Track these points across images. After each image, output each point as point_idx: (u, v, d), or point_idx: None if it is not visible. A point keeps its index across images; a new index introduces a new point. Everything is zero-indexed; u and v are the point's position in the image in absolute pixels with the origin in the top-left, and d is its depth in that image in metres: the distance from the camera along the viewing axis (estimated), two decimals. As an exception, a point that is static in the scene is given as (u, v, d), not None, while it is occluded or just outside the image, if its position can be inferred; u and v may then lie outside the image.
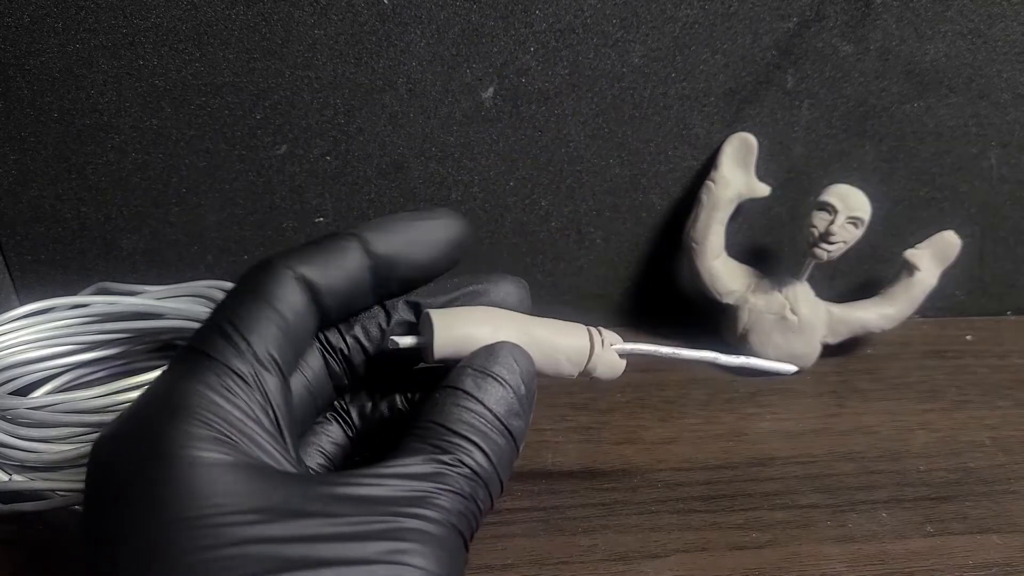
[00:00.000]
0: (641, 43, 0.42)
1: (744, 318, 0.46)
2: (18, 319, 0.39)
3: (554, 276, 0.49)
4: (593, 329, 0.28)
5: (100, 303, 0.41)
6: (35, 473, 0.33)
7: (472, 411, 0.23)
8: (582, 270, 0.49)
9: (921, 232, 0.47)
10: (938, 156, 0.48)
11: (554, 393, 0.44)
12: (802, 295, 0.46)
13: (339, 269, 0.23)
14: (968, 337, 0.51)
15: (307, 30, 0.40)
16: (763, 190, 0.45)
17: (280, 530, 0.18)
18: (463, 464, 0.22)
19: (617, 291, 0.50)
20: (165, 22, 0.39)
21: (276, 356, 0.21)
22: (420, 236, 0.25)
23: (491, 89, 0.43)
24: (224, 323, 0.21)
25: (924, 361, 0.48)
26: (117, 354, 0.41)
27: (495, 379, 0.23)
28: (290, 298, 0.22)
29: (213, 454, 0.19)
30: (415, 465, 0.21)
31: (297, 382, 0.24)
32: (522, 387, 0.24)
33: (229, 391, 0.20)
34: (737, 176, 0.45)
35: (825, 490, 0.37)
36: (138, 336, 0.41)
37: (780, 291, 0.46)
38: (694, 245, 0.46)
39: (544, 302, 0.50)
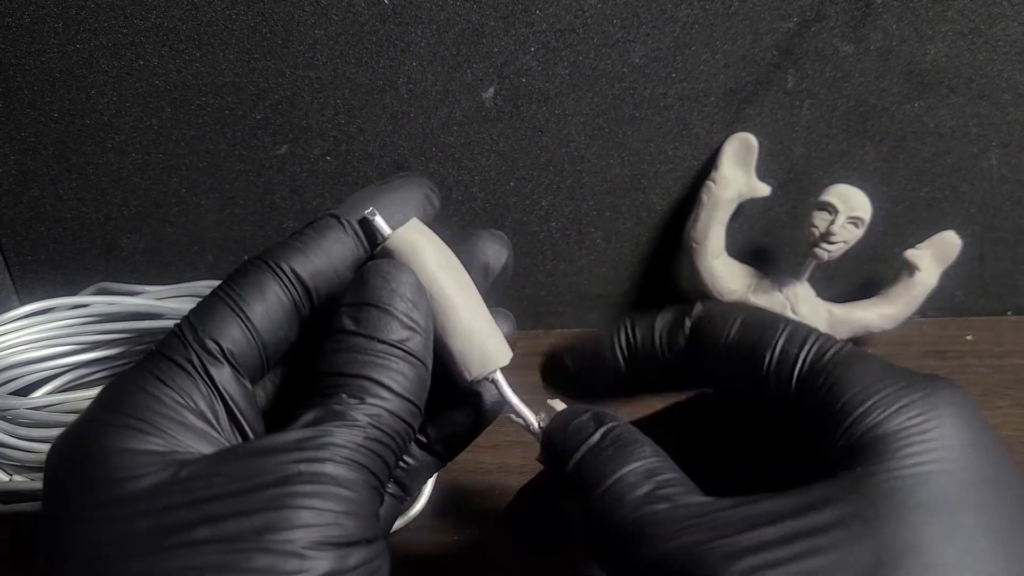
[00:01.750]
0: (641, 43, 0.42)
1: (744, 318, 0.46)
2: (18, 319, 0.39)
3: (554, 276, 0.49)
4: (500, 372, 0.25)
5: (100, 303, 0.41)
6: (35, 473, 0.33)
7: (351, 346, 0.21)
8: (582, 270, 0.49)
9: (921, 232, 0.47)
10: (938, 156, 0.48)
11: (554, 393, 0.43)
12: (803, 295, 0.46)
13: (322, 252, 0.23)
14: (968, 337, 0.51)
15: (307, 30, 0.40)
16: (763, 190, 0.45)
17: (169, 501, 0.19)
18: (349, 398, 0.20)
19: (617, 291, 0.50)
20: (165, 22, 0.39)
21: (225, 346, 0.21)
22: (393, 202, 0.25)
23: (491, 89, 0.43)
24: (183, 321, 0.22)
25: (924, 361, 0.48)
26: (117, 354, 0.41)
27: (369, 306, 0.22)
28: (257, 291, 0.22)
29: (125, 442, 0.20)
30: (304, 417, 0.21)
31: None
32: (404, 302, 0.22)
33: (164, 381, 0.21)
34: (737, 176, 0.45)
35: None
36: (138, 336, 0.41)
37: (780, 291, 0.46)
38: (694, 245, 0.46)
39: (544, 302, 0.50)
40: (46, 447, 0.33)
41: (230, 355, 0.21)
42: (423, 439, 0.26)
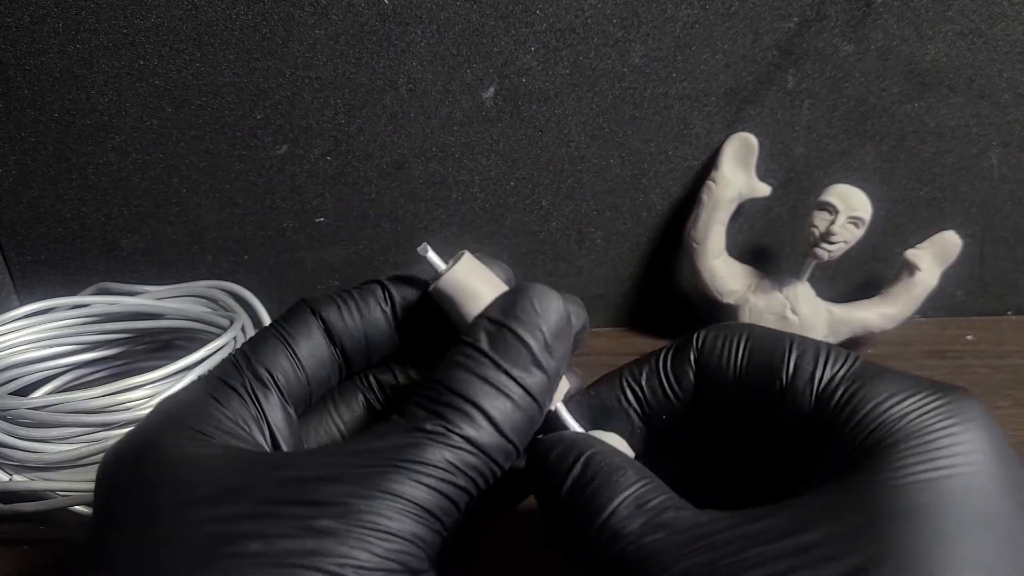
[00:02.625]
0: (641, 43, 0.42)
1: (744, 318, 0.46)
2: (19, 319, 0.39)
3: (554, 276, 0.49)
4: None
5: (100, 303, 0.41)
6: (35, 473, 0.33)
7: (476, 364, 0.21)
8: (582, 270, 0.49)
9: (921, 232, 0.47)
10: (938, 156, 0.48)
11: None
12: (803, 295, 0.46)
13: (356, 312, 0.25)
14: (968, 337, 0.51)
15: (307, 30, 0.40)
16: (764, 190, 0.45)
17: (231, 510, 0.19)
18: (449, 431, 0.20)
19: (617, 291, 0.50)
20: (165, 22, 0.39)
21: (275, 375, 0.23)
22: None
23: (492, 89, 0.43)
24: (237, 350, 0.24)
25: (924, 361, 0.48)
26: (118, 354, 0.41)
27: (510, 331, 0.21)
28: (305, 330, 0.24)
29: (188, 449, 0.20)
30: (388, 433, 0.21)
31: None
32: (544, 337, 0.21)
33: (219, 402, 0.22)
34: (738, 176, 0.45)
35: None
36: (138, 336, 0.41)
37: (781, 291, 0.46)
38: (695, 245, 0.46)
39: (544, 302, 0.50)
40: (46, 447, 0.33)
41: (280, 384, 0.23)
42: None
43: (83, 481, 0.32)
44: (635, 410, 0.25)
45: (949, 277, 0.47)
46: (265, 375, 0.23)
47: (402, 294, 0.25)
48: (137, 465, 0.21)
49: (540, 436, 0.24)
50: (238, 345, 0.37)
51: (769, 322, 0.45)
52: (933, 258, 0.46)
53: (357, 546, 0.18)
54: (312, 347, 0.24)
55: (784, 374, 0.23)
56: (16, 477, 0.32)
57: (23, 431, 0.33)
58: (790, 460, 0.23)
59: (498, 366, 0.21)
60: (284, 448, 0.22)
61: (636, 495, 0.21)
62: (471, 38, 0.41)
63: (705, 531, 0.19)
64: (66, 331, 0.40)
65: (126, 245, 0.45)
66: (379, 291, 0.25)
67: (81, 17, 0.38)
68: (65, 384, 0.41)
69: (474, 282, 0.24)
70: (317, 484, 0.19)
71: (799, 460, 0.23)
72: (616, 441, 0.25)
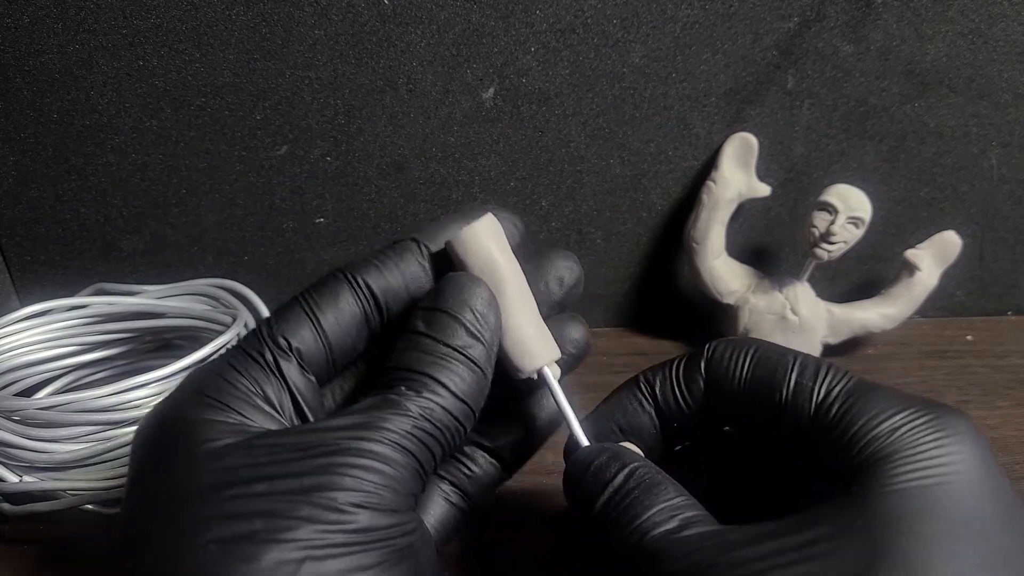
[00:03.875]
0: (641, 43, 0.42)
1: (744, 318, 0.46)
2: (18, 321, 0.39)
3: (554, 276, 0.49)
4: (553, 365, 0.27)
5: (99, 303, 0.41)
6: (45, 473, 0.33)
7: (419, 345, 0.24)
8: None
9: (921, 232, 0.47)
10: (938, 156, 0.48)
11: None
12: (803, 295, 0.46)
13: (397, 271, 0.26)
14: (968, 337, 0.51)
15: (307, 30, 0.40)
16: (763, 190, 0.45)
17: (234, 461, 0.21)
18: (409, 392, 0.23)
19: (617, 291, 0.50)
20: (165, 23, 0.39)
21: (295, 344, 0.24)
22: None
23: (491, 89, 0.43)
24: (263, 320, 0.25)
25: (924, 361, 0.48)
26: (119, 354, 0.41)
27: (441, 312, 0.24)
28: (332, 299, 0.25)
29: (202, 413, 0.22)
30: (363, 402, 0.23)
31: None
32: (472, 313, 0.24)
33: (238, 369, 0.23)
34: (738, 176, 0.45)
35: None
36: (138, 336, 0.41)
37: (781, 291, 0.46)
38: (695, 245, 0.46)
39: (544, 302, 0.50)
40: (56, 447, 0.33)
41: (298, 353, 0.24)
42: (487, 444, 0.28)
43: (93, 480, 0.32)
44: (651, 416, 0.27)
45: (949, 277, 0.47)
46: (285, 344, 0.24)
47: (437, 247, 0.26)
48: (162, 426, 0.23)
49: (582, 449, 0.26)
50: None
51: (769, 322, 0.45)
52: (933, 258, 0.46)
53: (343, 486, 0.20)
54: (338, 315, 0.25)
55: (785, 388, 0.24)
56: (26, 478, 0.32)
57: (32, 432, 0.33)
58: (791, 469, 0.25)
59: (438, 340, 0.23)
60: (307, 412, 0.24)
61: (673, 505, 0.22)
62: (471, 38, 0.41)
63: (719, 532, 0.21)
64: (67, 332, 0.39)
65: (126, 246, 0.45)
66: (413, 246, 0.26)
67: (81, 17, 0.38)
68: (67, 385, 0.41)
69: (485, 246, 0.25)
70: (306, 435, 0.22)
71: (799, 469, 0.24)
72: (633, 449, 0.26)
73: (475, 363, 0.24)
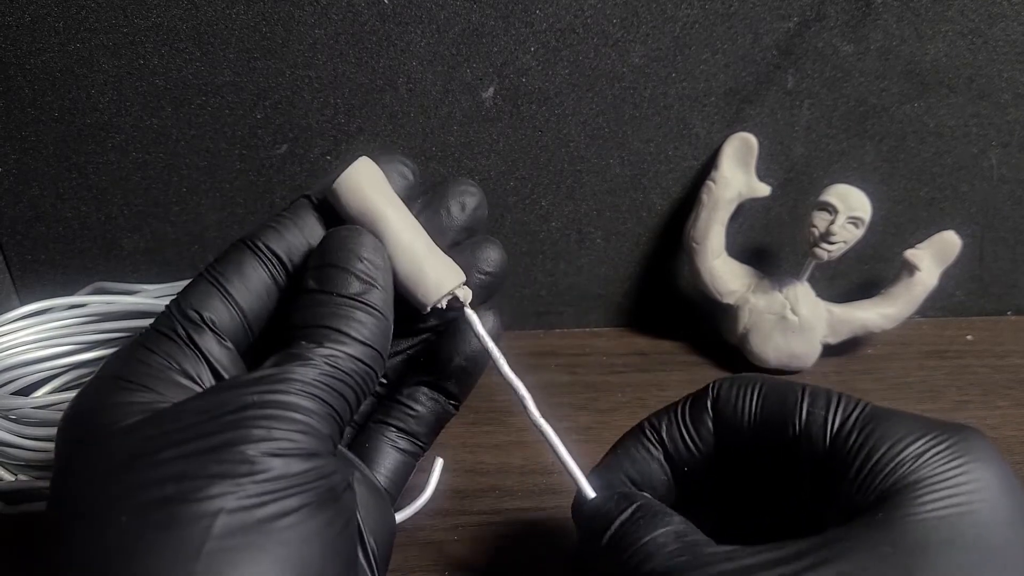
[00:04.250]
0: (641, 43, 0.42)
1: (744, 318, 0.46)
2: (17, 320, 0.39)
3: (554, 276, 0.49)
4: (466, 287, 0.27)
5: (98, 303, 0.41)
6: (40, 472, 0.33)
7: (314, 302, 0.24)
8: (582, 270, 0.49)
9: (921, 232, 0.47)
10: (938, 156, 0.48)
11: (554, 393, 0.44)
12: (803, 295, 0.46)
13: (296, 228, 0.26)
14: (968, 337, 0.51)
15: (307, 30, 0.40)
16: (763, 190, 0.45)
17: (142, 433, 0.21)
18: (311, 343, 0.23)
19: (617, 291, 0.50)
20: (165, 22, 0.39)
21: (206, 315, 0.24)
22: None
23: (491, 89, 0.43)
24: (172, 300, 0.25)
25: (924, 361, 0.48)
26: (117, 354, 0.41)
27: (329, 266, 0.24)
28: (236, 267, 0.25)
29: (114, 397, 0.22)
30: (267, 361, 0.23)
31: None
32: (360, 261, 0.24)
33: (150, 348, 0.24)
34: (737, 176, 0.45)
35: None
36: (137, 335, 0.41)
37: (781, 291, 0.46)
38: (695, 245, 0.46)
39: (544, 302, 0.50)
40: (51, 446, 0.33)
41: (211, 323, 0.24)
42: (427, 379, 0.29)
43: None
44: (660, 463, 0.27)
45: (949, 277, 0.47)
46: (195, 316, 0.24)
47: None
48: (77, 412, 0.23)
49: (594, 497, 0.26)
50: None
51: (769, 322, 0.45)
52: (933, 258, 0.46)
53: (252, 438, 0.20)
54: (245, 282, 0.25)
55: (797, 420, 0.24)
56: (21, 476, 0.33)
57: (28, 431, 0.33)
58: (807, 501, 0.25)
59: (331, 293, 0.24)
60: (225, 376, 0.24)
61: (676, 530, 0.23)
62: (471, 38, 0.41)
63: (730, 554, 0.21)
64: (65, 331, 0.39)
65: (126, 245, 0.45)
66: (306, 203, 0.27)
67: (81, 16, 0.38)
68: (65, 384, 0.40)
69: (364, 190, 0.26)
70: (211, 397, 0.22)
71: (815, 501, 0.24)
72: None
73: (373, 307, 0.24)
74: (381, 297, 0.24)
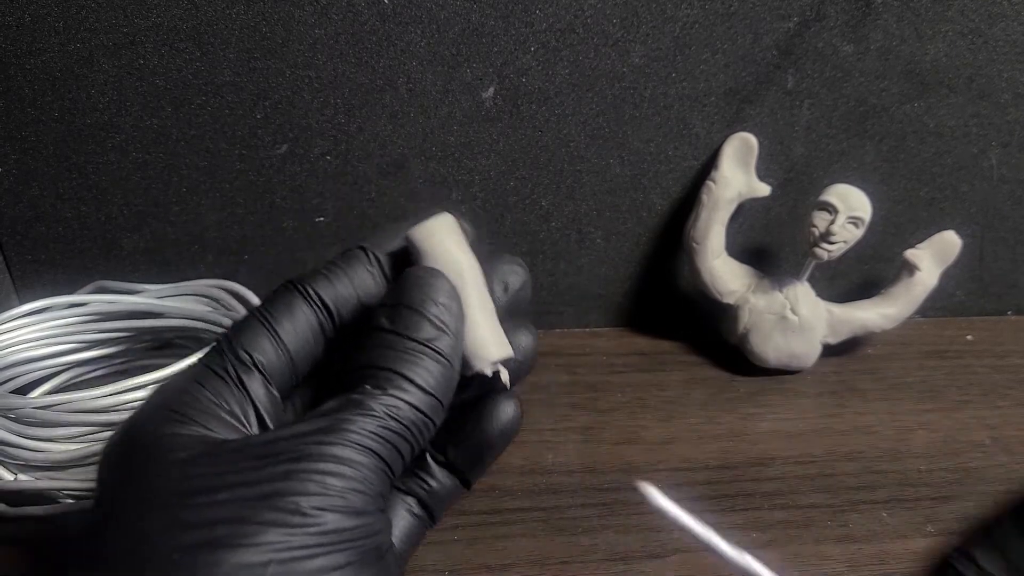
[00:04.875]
0: (641, 43, 0.42)
1: (744, 318, 0.46)
2: (17, 318, 0.39)
3: (554, 276, 0.49)
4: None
5: (98, 302, 0.41)
6: (40, 472, 0.33)
7: (383, 342, 0.24)
8: (582, 270, 0.49)
9: (921, 232, 0.47)
10: (938, 156, 0.48)
11: (554, 393, 0.44)
12: (803, 295, 0.46)
13: (347, 279, 0.26)
14: (968, 337, 0.51)
15: (307, 30, 0.40)
16: (763, 190, 0.45)
17: (196, 470, 0.21)
18: (374, 390, 0.23)
19: (617, 291, 0.50)
20: (165, 22, 0.39)
21: (256, 357, 0.24)
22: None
23: (491, 89, 0.43)
24: (222, 336, 0.25)
25: (924, 361, 0.48)
26: (117, 352, 0.41)
27: (403, 307, 0.24)
28: (287, 310, 0.25)
29: (165, 427, 0.22)
30: (327, 405, 0.23)
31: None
32: (436, 306, 0.24)
33: (201, 384, 0.24)
34: (737, 176, 0.45)
35: (825, 490, 0.37)
36: (137, 335, 0.41)
37: (781, 291, 0.46)
38: (695, 245, 0.46)
39: (544, 302, 0.50)
40: (52, 446, 0.33)
41: (260, 365, 0.24)
42: (441, 458, 0.28)
43: (88, 480, 0.32)
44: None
45: (949, 277, 0.47)
46: (246, 357, 0.24)
47: (385, 254, 0.27)
48: (126, 440, 0.23)
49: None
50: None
51: (769, 322, 0.45)
52: (933, 258, 0.46)
53: (306, 491, 0.20)
54: (294, 325, 0.25)
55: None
56: (21, 476, 0.32)
57: (28, 430, 0.33)
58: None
59: (401, 335, 0.23)
60: (269, 425, 0.24)
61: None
62: (471, 38, 0.41)
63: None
64: (65, 330, 0.40)
65: (126, 245, 0.45)
66: (361, 255, 0.27)
67: (81, 16, 0.38)
68: (64, 383, 0.41)
69: (445, 240, 0.26)
70: (269, 443, 0.22)
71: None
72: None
73: (442, 355, 0.23)
74: (451, 345, 0.24)
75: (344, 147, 0.43)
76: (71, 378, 0.41)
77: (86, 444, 0.33)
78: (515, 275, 0.28)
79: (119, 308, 0.40)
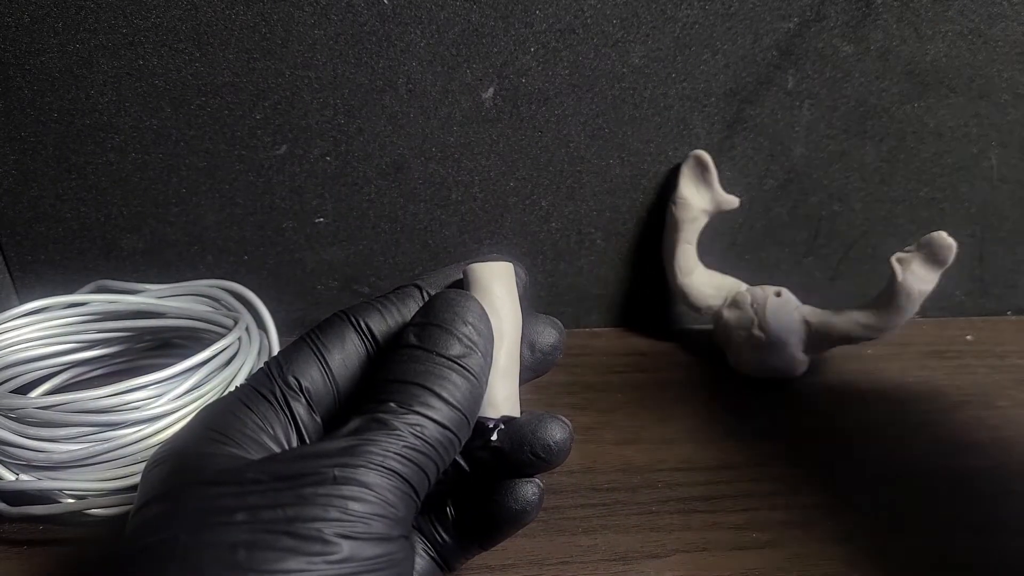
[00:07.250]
0: (641, 43, 0.42)
1: (719, 332, 0.46)
2: (17, 318, 0.39)
3: (554, 276, 0.49)
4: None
5: (99, 301, 0.41)
6: (42, 472, 0.33)
7: (411, 357, 0.23)
8: (582, 270, 0.49)
9: (921, 232, 0.47)
10: (938, 156, 0.48)
11: (554, 393, 0.44)
12: (773, 310, 0.44)
13: (399, 314, 0.26)
14: (968, 337, 0.51)
15: (307, 30, 0.40)
16: (731, 202, 0.45)
17: (220, 490, 0.21)
18: (397, 407, 0.22)
19: (617, 291, 0.50)
20: (165, 22, 0.39)
21: (304, 384, 0.25)
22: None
23: (491, 89, 0.43)
24: (272, 359, 0.26)
25: (924, 361, 0.48)
26: (117, 352, 0.41)
27: (432, 325, 0.24)
28: (338, 340, 0.25)
29: (204, 448, 0.23)
30: (351, 424, 0.23)
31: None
32: (466, 325, 0.24)
33: (248, 407, 0.24)
34: (697, 196, 0.45)
35: (825, 490, 0.37)
36: (137, 335, 0.41)
37: (752, 306, 0.45)
38: (665, 265, 0.46)
39: (544, 302, 0.50)
40: (53, 446, 0.33)
41: (307, 392, 0.25)
42: (450, 535, 0.27)
43: (90, 480, 0.32)
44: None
45: (949, 277, 0.46)
46: (295, 383, 0.25)
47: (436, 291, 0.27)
48: (166, 457, 0.23)
49: None
50: (244, 344, 0.39)
51: (740, 337, 0.45)
52: (923, 261, 0.43)
53: (328, 516, 0.20)
54: (344, 357, 0.25)
55: None
56: (23, 476, 0.32)
57: (29, 430, 0.33)
58: None
59: (430, 351, 0.23)
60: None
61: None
62: (471, 38, 0.41)
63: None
64: (65, 329, 0.39)
65: (126, 245, 0.45)
66: (415, 292, 0.27)
67: (81, 17, 0.38)
68: (64, 383, 0.41)
69: (500, 286, 0.26)
70: (291, 464, 0.22)
71: None
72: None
73: (470, 371, 0.23)
74: (479, 363, 0.24)
75: (344, 148, 0.43)
76: (71, 378, 0.41)
77: (88, 445, 0.33)
78: (543, 336, 0.28)
79: (119, 308, 0.40)
